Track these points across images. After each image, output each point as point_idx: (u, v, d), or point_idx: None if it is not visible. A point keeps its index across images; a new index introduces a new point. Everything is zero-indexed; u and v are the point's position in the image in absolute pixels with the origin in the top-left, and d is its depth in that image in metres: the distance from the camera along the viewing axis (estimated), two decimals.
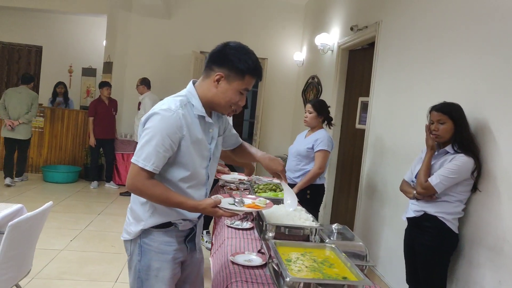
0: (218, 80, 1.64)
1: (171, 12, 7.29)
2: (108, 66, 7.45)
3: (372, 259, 3.82)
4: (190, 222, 1.74)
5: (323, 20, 6.16)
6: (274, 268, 1.52)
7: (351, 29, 4.70)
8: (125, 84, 7.38)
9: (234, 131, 2.02)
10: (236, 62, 1.63)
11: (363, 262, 1.83)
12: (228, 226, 2.49)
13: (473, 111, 2.46)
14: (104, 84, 6.59)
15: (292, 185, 3.55)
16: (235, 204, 1.68)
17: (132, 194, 1.71)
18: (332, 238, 1.88)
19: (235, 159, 2.17)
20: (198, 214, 1.77)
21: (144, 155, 1.56)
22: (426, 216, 2.40)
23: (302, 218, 1.92)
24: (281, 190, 2.63)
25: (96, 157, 6.72)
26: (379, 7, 4.17)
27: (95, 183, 6.67)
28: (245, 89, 1.67)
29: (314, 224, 1.84)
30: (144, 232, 1.68)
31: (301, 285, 1.23)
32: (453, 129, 2.38)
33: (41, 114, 7.07)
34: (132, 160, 1.59)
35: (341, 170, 5.26)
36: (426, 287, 2.46)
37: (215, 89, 1.65)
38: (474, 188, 2.39)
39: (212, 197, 1.67)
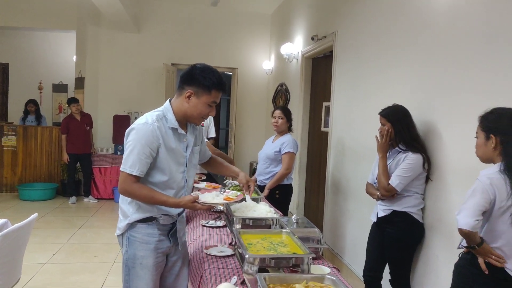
0: (189, 97, 1.94)
1: (139, 27, 7.50)
2: (80, 82, 7.56)
3: (339, 249, 4.14)
4: (170, 217, 2.01)
5: (288, 30, 6.51)
6: (239, 252, 1.78)
7: (312, 38, 5.05)
8: (98, 99, 7.51)
9: (205, 147, 2.30)
10: (202, 80, 1.92)
11: (318, 245, 2.11)
12: (203, 225, 2.74)
13: (420, 112, 2.78)
14: (71, 101, 6.70)
15: (262, 187, 3.83)
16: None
17: (120, 196, 1.99)
18: (292, 227, 2.16)
19: (210, 171, 2.47)
20: (178, 211, 2.04)
21: (130, 163, 1.86)
22: (395, 213, 2.66)
23: (264, 211, 2.19)
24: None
25: (73, 173, 6.82)
26: (334, 18, 4.53)
27: (73, 198, 6.76)
28: (213, 102, 1.97)
29: (274, 215, 2.11)
30: (130, 226, 1.96)
31: (258, 260, 1.49)
32: (393, 130, 2.66)
33: (13, 133, 7.11)
34: (120, 169, 1.88)
35: (310, 171, 5.58)
36: (396, 273, 2.73)
37: (187, 104, 1.95)
38: (427, 179, 2.71)
39: (192, 193, 1.95)
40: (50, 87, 9.40)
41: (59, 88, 9.38)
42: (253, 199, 2.59)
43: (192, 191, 2.09)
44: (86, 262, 4.18)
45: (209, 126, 4.61)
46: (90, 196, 6.94)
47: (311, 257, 1.53)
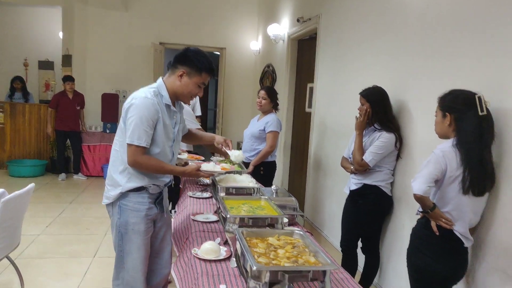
0: (181, 76, 2.13)
1: (127, 5, 7.52)
2: (67, 59, 7.57)
3: (319, 224, 4.41)
4: (158, 187, 2.21)
5: (274, 11, 6.64)
6: (222, 216, 2.00)
7: (298, 20, 5.21)
8: (86, 77, 7.57)
9: (184, 122, 2.51)
10: (196, 62, 2.12)
11: (294, 212, 2.34)
12: (190, 197, 2.96)
13: (395, 93, 3.00)
14: (67, 79, 6.78)
15: (247, 164, 4.05)
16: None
17: (110, 166, 2.19)
18: (271, 195, 2.39)
19: (189, 143, 2.70)
20: (166, 181, 2.24)
21: (137, 136, 2.03)
22: (366, 186, 2.91)
23: (247, 181, 2.41)
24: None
25: (62, 150, 6.94)
26: (319, 1, 4.69)
27: (63, 175, 6.91)
28: (202, 83, 2.17)
29: (255, 185, 2.34)
30: (122, 195, 2.14)
31: (238, 220, 1.72)
32: (371, 110, 2.88)
33: (1, 110, 7.15)
34: (128, 142, 2.05)
35: (294, 150, 5.82)
36: (367, 242, 3.00)
37: (179, 82, 2.15)
38: (398, 157, 2.95)
39: (193, 163, 2.23)
40: (36, 64, 9.34)
41: (45, 65, 9.32)
42: (237, 172, 2.81)
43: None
44: (79, 234, 4.38)
45: (194, 105, 4.78)
46: (80, 173, 7.09)
47: (284, 217, 1.76)
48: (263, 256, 1.36)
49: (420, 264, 2.07)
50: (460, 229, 1.99)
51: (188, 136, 2.57)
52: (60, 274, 3.39)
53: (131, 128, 2.03)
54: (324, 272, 1.25)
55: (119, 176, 2.15)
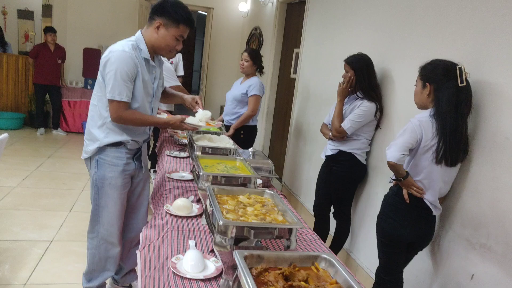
0: (158, 27, 2.05)
1: None
2: (47, 9, 7.25)
3: (296, 189, 4.46)
4: (137, 143, 2.18)
5: None
6: (196, 173, 2.00)
7: None
8: (67, 30, 7.30)
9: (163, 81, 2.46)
10: (173, 13, 2.03)
11: (269, 175, 2.35)
12: (168, 155, 2.94)
13: (380, 63, 2.97)
14: (48, 30, 6.52)
15: (228, 127, 4.03)
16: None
17: (88, 120, 2.15)
18: (248, 158, 2.39)
19: (164, 103, 2.66)
20: (144, 138, 2.22)
21: (118, 91, 1.98)
22: (341, 153, 2.94)
23: (224, 142, 2.40)
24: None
25: (41, 104, 6.77)
26: None
27: (41, 129, 6.77)
28: (180, 36, 2.08)
29: (232, 146, 2.32)
30: (100, 150, 2.12)
31: (210, 177, 1.71)
32: (355, 78, 2.86)
33: None
34: (109, 98, 2.00)
35: (277, 117, 5.80)
36: (338, 207, 3.06)
37: (156, 35, 2.07)
38: (377, 127, 2.96)
39: (177, 115, 2.22)
40: (15, 13, 8.92)
41: (25, 14, 8.90)
42: (215, 133, 2.79)
43: None
44: (56, 188, 4.35)
45: (177, 64, 4.67)
46: (59, 129, 6.96)
47: (257, 178, 1.76)
48: (231, 212, 1.36)
49: (388, 228, 2.12)
50: (430, 198, 2.03)
51: (164, 95, 2.53)
52: (35, 226, 3.38)
53: (110, 83, 1.98)
54: (290, 230, 1.27)
55: (97, 131, 2.11)
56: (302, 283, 0.94)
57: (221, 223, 1.21)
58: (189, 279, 1.33)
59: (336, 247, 3.08)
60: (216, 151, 2.26)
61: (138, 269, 1.61)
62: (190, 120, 2.20)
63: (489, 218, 1.94)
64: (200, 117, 2.24)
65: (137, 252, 1.72)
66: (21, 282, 2.58)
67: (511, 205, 1.83)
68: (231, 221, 1.26)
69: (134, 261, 2.52)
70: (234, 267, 1.28)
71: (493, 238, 1.91)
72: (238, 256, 1.01)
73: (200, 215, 1.88)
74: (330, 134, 2.94)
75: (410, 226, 2.07)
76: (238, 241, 1.37)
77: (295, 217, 1.35)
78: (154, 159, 4.66)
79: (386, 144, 2.87)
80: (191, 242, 1.57)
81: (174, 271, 1.36)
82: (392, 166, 2.00)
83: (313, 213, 3.27)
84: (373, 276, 2.60)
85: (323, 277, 1.02)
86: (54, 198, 4.07)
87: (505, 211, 1.86)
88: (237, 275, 1.00)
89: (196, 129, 2.27)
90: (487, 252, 1.93)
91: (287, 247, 1.28)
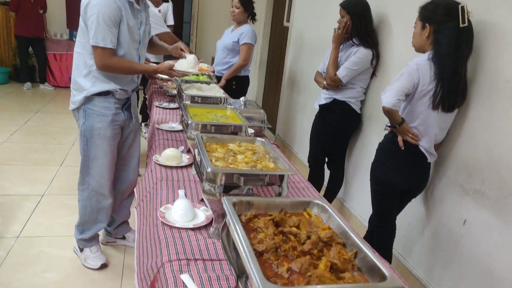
0: None
1: None
2: None
3: (290, 141, 4.43)
4: (126, 92, 2.09)
5: None
6: (184, 123, 1.93)
7: None
8: None
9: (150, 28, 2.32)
10: None
11: (261, 124, 2.29)
12: (157, 106, 2.85)
13: (377, 6, 2.82)
14: None
15: (219, 77, 3.90)
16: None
17: (73, 69, 2.05)
18: (239, 107, 2.31)
19: (151, 53, 2.54)
20: (133, 87, 2.12)
21: (101, 36, 1.86)
22: (335, 101, 2.86)
23: (214, 91, 2.31)
24: (203, 74, 2.98)
25: (25, 57, 6.52)
26: None
27: (28, 84, 6.57)
28: None
29: (222, 95, 2.24)
30: (87, 100, 2.03)
31: (199, 126, 1.65)
32: (351, 23, 2.72)
33: None
34: (92, 44, 1.88)
35: (270, 67, 5.65)
36: (332, 157, 3.02)
37: None
38: (373, 75, 2.86)
39: (165, 62, 2.11)
40: None
41: None
42: (205, 82, 2.69)
43: None
44: (45, 143, 4.27)
45: (166, 13, 4.46)
46: (46, 83, 6.77)
47: (248, 126, 1.70)
48: (221, 160, 1.31)
49: (383, 176, 2.10)
50: (425, 144, 1.99)
51: (151, 45, 2.40)
52: (25, 181, 3.34)
53: (93, 28, 1.86)
54: (281, 176, 1.22)
55: (83, 80, 2.02)
56: (293, 229, 0.91)
57: (209, 170, 1.16)
58: (179, 228, 1.30)
59: (329, 196, 3.09)
60: (206, 100, 2.18)
61: (135, 226, 1.58)
62: (179, 66, 2.09)
63: (484, 163, 1.91)
64: (189, 62, 2.13)
65: (134, 209, 1.69)
66: (14, 235, 2.57)
67: (507, 150, 1.80)
68: (220, 168, 1.21)
69: (126, 212, 2.51)
70: (224, 215, 1.25)
71: (487, 183, 1.89)
72: (226, 203, 0.96)
73: (190, 165, 1.83)
74: (325, 83, 2.85)
75: (404, 174, 2.04)
76: (228, 189, 1.32)
77: (287, 164, 1.30)
78: (144, 112, 4.56)
79: (381, 93, 2.80)
80: (181, 192, 1.53)
81: (162, 220, 1.32)
82: (387, 112, 1.94)
83: (307, 164, 3.24)
84: (366, 225, 2.62)
85: (315, 223, 0.98)
86: (44, 152, 4.00)
87: (501, 157, 1.83)
88: (225, 222, 0.96)
89: (185, 75, 2.17)
90: (481, 197, 1.92)
91: (279, 194, 1.24)
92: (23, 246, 2.47)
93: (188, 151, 2.00)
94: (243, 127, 1.69)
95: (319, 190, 3.18)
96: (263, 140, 1.52)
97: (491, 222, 1.85)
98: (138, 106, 2.56)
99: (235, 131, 1.71)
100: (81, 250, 2.35)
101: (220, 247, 1.22)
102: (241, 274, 1.01)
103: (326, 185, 3.17)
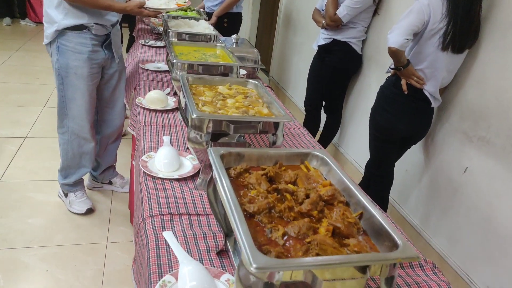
0: None
1: None
2: None
3: (285, 84, 4.25)
4: (104, 27, 1.89)
5: None
6: (170, 62, 1.75)
7: None
8: None
9: None
10: None
11: (254, 65, 2.12)
12: (142, 44, 2.64)
13: None
14: None
15: (210, 14, 3.63)
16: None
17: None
18: (231, 46, 2.12)
19: None
20: (111, 21, 1.91)
21: None
22: (335, 42, 2.66)
23: (203, 27, 2.10)
24: (192, 10, 2.74)
25: None
26: None
27: (7, 19, 6.16)
28: None
29: (212, 32, 2.04)
30: (60, 34, 1.84)
31: (186, 66, 1.48)
32: None
33: None
34: None
35: (264, 4, 5.30)
36: (330, 101, 2.88)
37: None
38: (375, 13, 2.64)
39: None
40: None
41: None
42: (193, 18, 2.47)
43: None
44: (27, 83, 4.05)
45: None
46: (27, 19, 6.35)
47: (239, 66, 1.53)
48: (208, 104, 1.17)
49: (383, 122, 1.98)
50: (431, 88, 1.85)
51: None
52: (7, 122, 3.17)
53: None
54: (276, 124, 1.09)
55: (54, 11, 1.82)
56: (290, 185, 0.79)
57: (194, 116, 1.02)
58: (162, 179, 1.19)
59: (325, 141, 2.99)
60: (194, 38, 1.99)
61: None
62: (151, 3, 1.87)
63: (492, 109, 1.79)
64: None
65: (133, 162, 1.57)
66: None
67: None
68: (206, 114, 1.07)
69: (113, 157, 2.40)
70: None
71: (493, 130, 1.78)
72: (213, 155, 0.84)
73: (176, 109, 1.68)
74: (324, 22, 2.64)
75: (406, 120, 1.92)
76: (216, 136, 1.20)
77: (282, 109, 1.16)
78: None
79: (385, 32, 2.60)
80: (166, 138, 1.40)
81: (144, 170, 1.20)
82: (393, 53, 1.77)
83: (302, 108, 3.11)
84: (362, 171, 2.55)
85: (313, 177, 0.87)
86: (26, 93, 3.80)
87: (511, 102, 1.70)
88: (212, 177, 0.84)
89: (159, 13, 1.96)
90: (485, 145, 1.82)
91: (273, 143, 1.12)
92: (5, 190, 2.37)
93: (175, 94, 1.84)
94: (234, 67, 1.53)
95: (314, 135, 3.07)
96: (256, 82, 1.36)
97: (494, 170, 1.77)
98: (122, 45, 2.34)
99: (225, 72, 1.54)
100: (66, 195, 2.26)
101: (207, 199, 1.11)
102: (230, 232, 0.91)
103: (321, 130, 3.06)
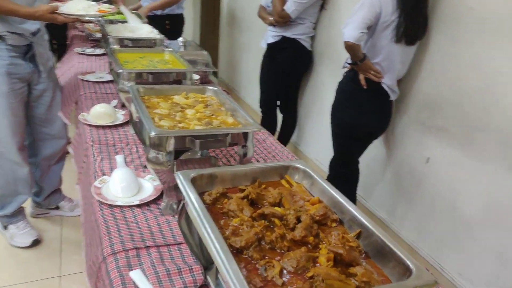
0: None
1: None
2: None
3: (235, 85, 4.16)
4: (22, 37, 1.67)
5: None
6: (114, 72, 1.59)
7: None
8: None
9: None
10: None
11: (206, 68, 2.00)
12: (79, 53, 2.42)
13: None
14: None
15: (152, 17, 3.44)
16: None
17: None
18: (178, 49, 1.99)
19: None
20: (31, 29, 1.69)
21: None
22: (284, 39, 2.59)
23: (146, 31, 1.95)
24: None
25: None
26: None
27: None
28: None
29: (157, 36, 1.89)
30: None
31: (133, 75, 1.34)
32: None
33: None
34: None
35: (206, 3, 5.16)
36: (285, 99, 2.81)
37: None
38: (321, 8, 2.61)
39: (52, 4, 1.61)
40: None
41: None
42: (120, 17, 2.30)
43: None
44: None
45: None
46: None
47: (193, 72, 1.41)
48: (166, 118, 1.04)
49: (345, 118, 1.94)
50: (388, 81, 1.83)
51: None
52: None
53: None
54: (245, 134, 0.99)
55: None
56: (277, 209, 0.70)
57: (153, 134, 0.90)
58: (121, 206, 1.04)
59: (283, 142, 2.92)
60: (138, 43, 1.83)
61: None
62: (66, 8, 1.65)
63: (447, 99, 1.81)
64: (79, 1, 1.71)
65: (76, 186, 1.38)
66: None
67: (471, 83, 1.69)
68: (167, 131, 0.94)
69: (57, 180, 2.17)
70: (177, 188, 1.01)
71: (450, 119, 1.80)
72: (182, 180, 0.72)
73: (127, 123, 1.53)
74: (271, 19, 2.57)
75: (368, 114, 1.89)
76: (178, 153, 1.07)
77: (248, 117, 1.06)
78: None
79: (332, 27, 2.59)
80: (119, 158, 1.24)
81: (99, 198, 1.05)
82: (350, 47, 1.73)
83: (257, 109, 3.02)
84: (323, 168, 2.51)
85: (298, 193, 0.78)
86: None
87: (465, 90, 1.72)
88: (183, 206, 0.72)
89: (77, 21, 1.75)
90: (444, 134, 1.83)
91: (244, 155, 1.02)
92: None
93: (123, 106, 1.68)
94: (188, 73, 1.40)
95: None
96: (216, 88, 1.25)
97: (455, 158, 1.79)
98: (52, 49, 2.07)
99: (178, 79, 1.41)
100: (5, 227, 2.01)
101: (176, 225, 0.99)
102: (210, 265, 0.80)
103: (278, 130, 3.00)
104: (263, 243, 0.62)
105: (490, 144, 1.64)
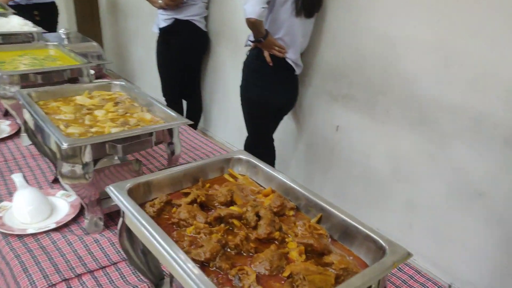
0: None
1: None
2: None
3: (128, 75, 3.89)
4: None
5: None
6: None
7: None
8: None
9: None
10: None
11: (100, 61, 1.80)
12: None
13: None
14: None
15: (18, 6, 3.00)
16: None
17: None
18: (62, 42, 1.76)
19: None
20: None
21: None
22: (177, 22, 2.44)
23: (18, 24, 1.68)
24: None
25: None
26: None
27: None
28: None
29: (33, 29, 1.64)
30: None
31: (16, 78, 1.13)
32: None
33: None
34: None
35: None
36: (187, 85, 2.68)
37: None
38: None
39: None
40: None
41: None
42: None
43: None
44: None
45: None
46: None
47: (90, 66, 1.25)
48: (73, 124, 0.90)
49: (255, 97, 1.91)
50: (292, 56, 1.85)
51: None
52: None
53: None
54: (170, 131, 0.90)
55: None
56: (233, 208, 0.64)
57: (65, 145, 0.76)
58: (34, 234, 0.88)
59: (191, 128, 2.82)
60: (11, 39, 1.57)
61: None
62: None
63: (349, 66, 1.89)
64: None
65: None
66: None
67: (371, 48, 1.78)
68: (81, 139, 0.81)
69: None
70: (99, 202, 0.88)
71: (355, 86, 1.89)
72: (117, 194, 0.62)
73: (16, 135, 1.31)
74: (161, 1, 2.41)
75: (277, 91, 1.89)
76: (97, 162, 0.94)
77: (168, 109, 0.97)
78: None
79: (225, 6, 2.53)
80: (16, 177, 1.05)
81: (2, 230, 0.88)
82: (253, 24, 1.69)
83: (158, 98, 2.85)
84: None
85: (245, 185, 0.73)
86: None
87: (365, 56, 1.81)
88: (123, 224, 0.63)
89: None
90: (350, 101, 1.92)
91: (171, 154, 0.93)
92: None
93: (6, 115, 1.44)
94: (84, 69, 1.23)
95: None
96: (123, 83, 1.12)
97: (363, 123, 1.89)
98: None
99: (74, 76, 1.24)
100: None
101: (107, 242, 0.87)
102: (160, 280, 0.72)
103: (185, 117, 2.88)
104: (228, 249, 0.57)
105: (391, 106, 1.76)
